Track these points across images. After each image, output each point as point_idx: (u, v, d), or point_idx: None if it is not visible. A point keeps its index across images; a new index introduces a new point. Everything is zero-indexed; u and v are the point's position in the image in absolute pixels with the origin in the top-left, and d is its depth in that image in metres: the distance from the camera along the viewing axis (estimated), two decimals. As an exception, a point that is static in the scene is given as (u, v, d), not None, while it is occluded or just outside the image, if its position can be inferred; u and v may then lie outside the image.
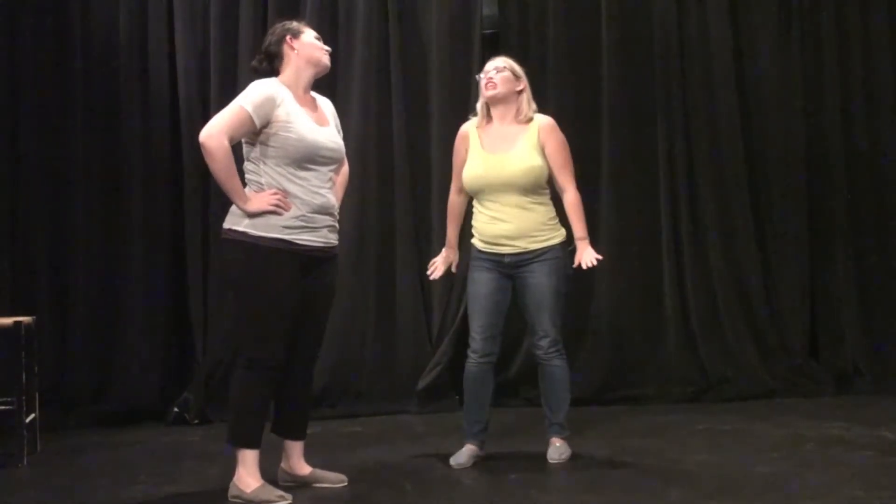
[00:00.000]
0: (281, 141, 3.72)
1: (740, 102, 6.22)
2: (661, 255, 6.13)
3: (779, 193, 6.22)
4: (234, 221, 3.73)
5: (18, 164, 6.00)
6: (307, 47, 3.88)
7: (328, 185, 3.87)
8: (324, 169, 3.84)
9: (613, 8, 6.16)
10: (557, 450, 4.27)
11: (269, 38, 3.92)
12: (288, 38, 3.87)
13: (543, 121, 4.32)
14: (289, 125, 3.73)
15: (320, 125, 3.87)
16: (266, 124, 3.71)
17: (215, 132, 3.66)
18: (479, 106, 4.38)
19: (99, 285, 6.01)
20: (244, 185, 3.77)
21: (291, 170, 3.74)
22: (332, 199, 3.89)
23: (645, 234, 6.16)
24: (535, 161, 4.21)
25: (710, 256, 6.15)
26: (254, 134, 3.73)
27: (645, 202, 6.17)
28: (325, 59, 3.94)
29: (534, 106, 4.35)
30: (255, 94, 3.73)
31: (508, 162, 4.20)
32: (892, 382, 5.91)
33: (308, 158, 3.77)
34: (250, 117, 3.69)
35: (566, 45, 6.18)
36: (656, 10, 6.20)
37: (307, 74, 3.89)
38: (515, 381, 5.88)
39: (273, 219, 3.70)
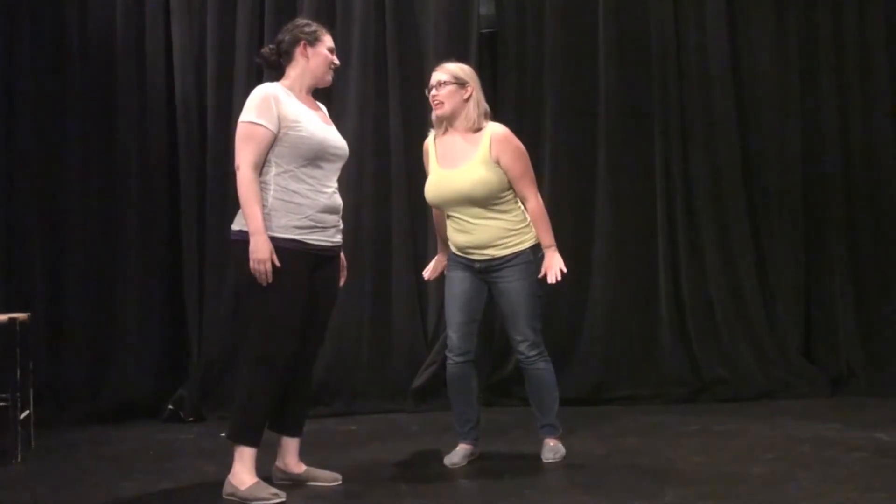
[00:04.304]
0: (292, 140, 3.75)
1: (737, 102, 6.22)
2: (656, 255, 6.14)
3: (775, 194, 6.22)
4: (245, 223, 3.73)
5: (14, 160, 5.99)
6: (317, 59, 3.91)
7: (335, 185, 3.91)
8: (331, 167, 3.89)
9: (610, 7, 6.16)
10: (551, 449, 4.27)
11: (286, 35, 3.93)
12: (303, 43, 3.89)
13: (496, 132, 4.18)
14: (298, 124, 3.76)
15: (326, 124, 3.93)
16: (278, 125, 3.73)
17: (240, 164, 3.72)
18: (432, 118, 4.31)
19: (94, 282, 6.01)
20: None
21: (301, 169, 3.77)
22: (339, 199, 3.92)
23: (641, 233, 6.17)
24: (486, 175, 4.11)
25: (705, 257, 6.15)
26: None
27: (641, 201, 6.17)
28: (329, 77, 3.97)
29: (484, 108, 4.24)
30: (254, 103, 3.77)
31: (458, 178, 4.13)
32: (887, 384, 5.91)
33: (319, 156, 3.81)
34: (261, 126, 3.72)
35: (563, 44, 6.18)
36: (653, 9, 6.20)
37: (308, 83, 3.93)
38: (509, 381, 5.88)
39: (285, 219, 3.73)
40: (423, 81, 6.10)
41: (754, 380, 5.94)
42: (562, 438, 4.34)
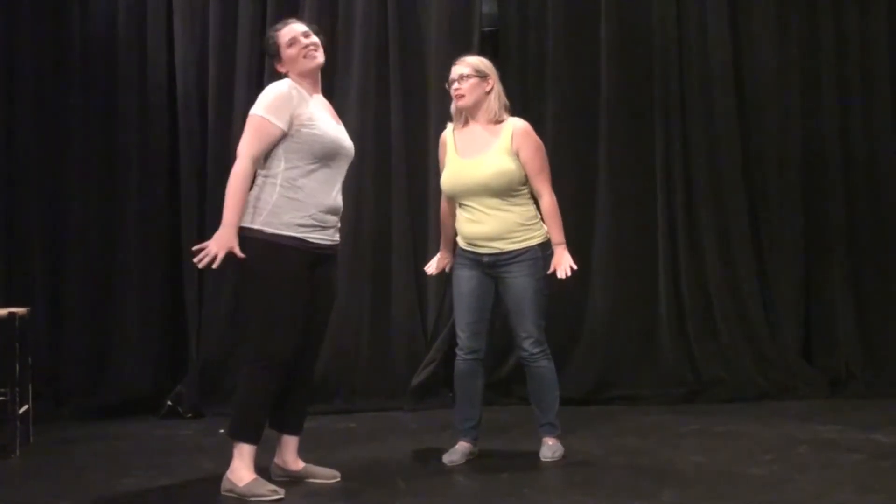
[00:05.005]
0: (305, 137, 3.76)
1: (738, 103, 6.22)
2: (656, 255, 6.13)
3: (775, 195, 6.22)
4: (248, 219, 3.74)
5: (15, 157, 5.98)
6: (290, 60, 3.90)
7: (339, 186, 3.92)
8: (339, 168, 3.91)
9: (612, 7, 6.16)
10: (550, 448, 4.27)
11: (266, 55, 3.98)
12: (275, 62, 3.94)
13: (517, 125, 4.26)
14: (312, 122, 3.78)
15: (337, 123, 3.97)
16: (290, 124, 3.73)
17: (240, 153, 3.74)
18: (452, 110, 4.36)
19: (94, 278, 6.00)
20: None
21: (311, 166, 3.78)
22: (341, 201, 3.94)
23: (641, 233, 6.16)
24: (507, 165, 4.17)
25: (705, 257, 6.15)
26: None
27: (642, 201, 6.17)
28: (312, 63, 3.91)
29: (504, 101, 4.30)
30: (269, 99, 3.79)
31: (480, 166, 4.18)
32: (886, 386, 5.92)
33: (330, 155, 3.83)
34: (271, 123, 3.74)
35: (565, 43, 6.18)
36: (655, 8, 6.20)
37: (304, 82, 3.92)
38: (508, 380, 5.88)
39: (287, 217, 3.74)
40: (424, 80, 6.15)
41: (753, 381, 5.94)
42: (561, 438, 4.34)
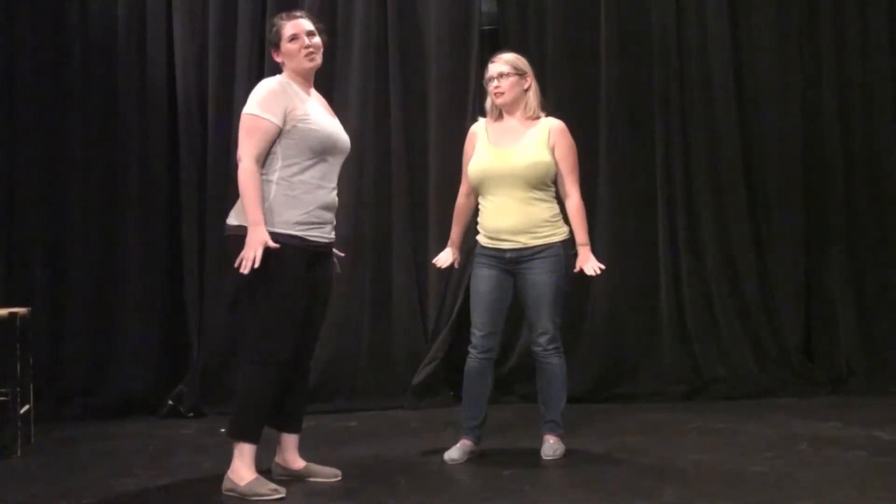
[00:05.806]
0: (301, 133, 3.76)
1: (738, 103, 6.22)
2: (657, 254, 6.13)
3: (776, 193, 6.23)
4: (245, 218, 3.73)
5: (15, 157, 5.99)
6: (288, 55, 3.91)
7: (335, 182, 3.93)
8: (336, 162, 3.91)
9: (612, 6, 6.16)
10: (551, 447, 4.27)
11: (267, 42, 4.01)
12: (272, 49, 3.95)
13: (555, 123, 4.33)
14: (307, 117, 3.78)
15: (331, 116, 3.97)
16: (284, 119, 3.73)
17: (241, 156, 3.73)
18: (487, 105, 4.41)
19: (95, 277, 6.00)
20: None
21: (308, 162, 3.78)
22: (336, 198, 3.94)
23: (641, 232, 6.16)
24: (543, 157, 4.23)
25: (706, 255, 6.15)
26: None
27: (642, 200, 6.17)
28: (308, 64, 3.91)
29: (541, 98, 4.37)
30: (260, 96, 3.78)
31: (515, 155, 4.22)
32: (887, 383, 5.92)
33: (327, 149, 3.83)
34: (265, 119, 3.73)
35: (565, 42, 6.18)
36: (655, 7, 6.20)
37: (298, 77, 3.93)
38: (511, 378, 5.88)
39: (286, 214, 3.74)
40: (424, 80, 6.14)
41: (754, 378, 5.95)
42: (563, 437, 4.34)
